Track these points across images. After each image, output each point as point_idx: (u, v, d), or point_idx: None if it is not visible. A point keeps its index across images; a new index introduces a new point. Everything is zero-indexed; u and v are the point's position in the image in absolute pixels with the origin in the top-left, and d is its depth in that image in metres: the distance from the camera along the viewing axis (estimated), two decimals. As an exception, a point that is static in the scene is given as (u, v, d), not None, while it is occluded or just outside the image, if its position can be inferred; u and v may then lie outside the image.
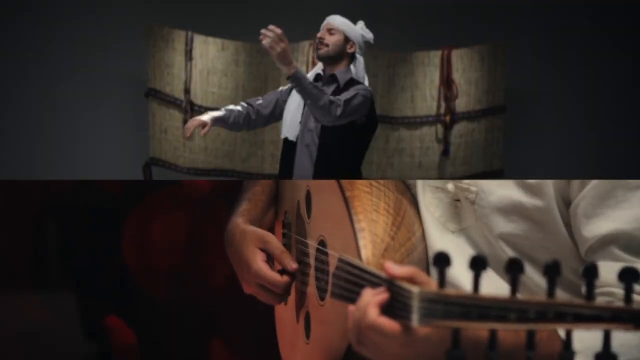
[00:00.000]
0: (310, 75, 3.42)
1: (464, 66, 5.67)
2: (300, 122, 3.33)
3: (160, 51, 5.44)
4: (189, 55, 5.48)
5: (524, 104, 5.96)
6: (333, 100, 3.16)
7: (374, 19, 5.98)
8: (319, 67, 3.48)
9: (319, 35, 3.40)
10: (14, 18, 5.75)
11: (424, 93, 5.70)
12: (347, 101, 3.18)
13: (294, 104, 3.34)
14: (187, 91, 5.47)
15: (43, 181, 3.15)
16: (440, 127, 5.68)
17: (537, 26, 6.03)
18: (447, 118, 5.64)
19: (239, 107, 3.41)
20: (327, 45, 3.36)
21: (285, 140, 3.37)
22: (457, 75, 5.66)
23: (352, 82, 3.36)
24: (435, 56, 5.66)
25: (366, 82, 3.42)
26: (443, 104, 5.66)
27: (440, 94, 5.65)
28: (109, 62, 5.80)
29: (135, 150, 5.70)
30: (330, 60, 3.38)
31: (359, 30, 3.49)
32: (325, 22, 3.46)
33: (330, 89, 3.32)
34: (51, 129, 5.80)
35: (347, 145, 3.34)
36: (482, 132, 5.67)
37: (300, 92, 3.15)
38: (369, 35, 3.51)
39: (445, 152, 5.68)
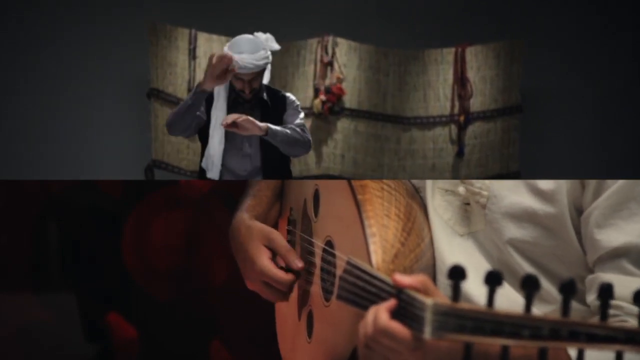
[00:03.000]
0: (220, 95, 3.53)
1: (479, 64, 5.78)
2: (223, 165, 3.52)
3: (162, 50, 5.58)
4: (192, 53, 5.62)
5: (542, 104, 6.02)
6: (297, 128, 3.51)
7: (385, 15, 6.15)
8: (224, 86, 3.54)
9: (246, 90, 3.46)
10: (16, 17, 5.90)
11: (437, 92, 5.81)
12: (301, 123, 3.55)
13: (216, 145, 3.49)
14: (190, 91, 5.62)
15: (43, 181, 3.31)
16: (454, 128, 5.79)
17: (555, 22, 6.09)
18: (462, 118, 5.75)
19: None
20: (253, 90, 3.49)
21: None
22: (471, 74, 5.77)
23: (271, 92, 3.61)
24: (449, 53, 5.78)
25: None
26: (457, 104, 5.77)
27: (454, 93, 5.77)
28: (110, 61, 5.93)
29: (136, 153, 5.82)
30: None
31: (268, 50, 3.49)
32: (247, 70, 3.41)
33: (255, 110, 3.53)
34: (51, 131, 5.94)
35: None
36: (498, 132, 5.77)
37: (279, 143, 3.43)
38: (274, 46, 3.55)
39: (459, 154, 5.79)
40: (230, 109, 3.50)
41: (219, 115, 3.48)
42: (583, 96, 6.10)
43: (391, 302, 1.81)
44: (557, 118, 6.10)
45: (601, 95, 6.08)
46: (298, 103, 3.66)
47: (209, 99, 3.52)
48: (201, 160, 3.57)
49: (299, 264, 2.51)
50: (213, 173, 3.48)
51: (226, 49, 3.43)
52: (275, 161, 3.55)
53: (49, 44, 5.93)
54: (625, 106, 6.05)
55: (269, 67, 3.60)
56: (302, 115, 3.64)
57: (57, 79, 5.93)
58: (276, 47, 3.50)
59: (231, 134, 3.47)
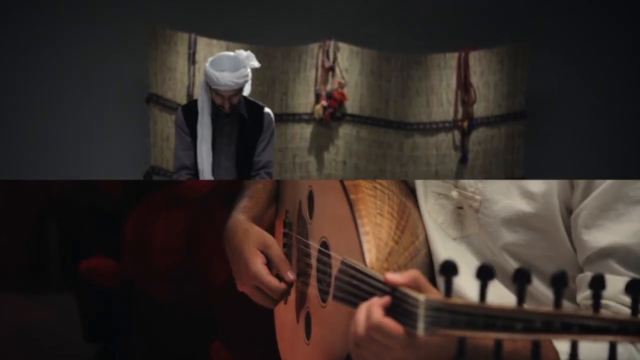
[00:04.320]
0: (205, 110, 3.71)
1: (483, 69, 5.83)
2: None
3: (162, 54, 5.66)
4: (192, 58, 5.69)
5: (546, 109, 6.05)
6: (265, 173, 3.75)
7: (387, 20, 6.21)
8: (206, 95, 3.71)
9: (226, 106, 3.64)
10: (17, 21, 5.98)
11: (440, 97, 5.87)
12: (269, 157, 3.79)
13: (204, 158, 3.68)
14: (190, 97, 5.67)
15: (43, 181, 3.39)
16: (457, 134, 5.84)
17: (560, 26, 6.13)
18: (465, 124, 5.80)
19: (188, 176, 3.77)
20: (232, 106, 3.67)
21: None
22: (475, 79, 5.82)
23: (249, 105, 3.78)
24: (452, 58, 5.83)
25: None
26: (460, 109, 5.82)
27: (458, 98, 5.82)
28: (110, 66, 6.01)
29: (135, 159, 5.88)
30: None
31: (248, 67, 3.67)
32: (226, 87, 3.59)
33: (232, 126, 3.72)
34: (50, 135, 6.00)
35: None
36: (502, 138, 5.81)
37: None
38: (254, 64, 3.71)
39: (463, 160, 5.84)
40: (211, 123, 3.69)
41: (205, 130, 3.67)
42: (588, 102, 6.12)
43: (385, 299, 1.86)
44: (562, 124, 6.12)
45: (607, 100, 6.10)
46: (274, 124, 3.82)
47: (194, 114, 3.71)
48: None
49: (291, 276, 2.58)
50: None
51: (207, 66, 3.60)
52: (250, 173, 3.74)
53: (48, 48, 6.00)
54: (632, 111, 6.07)
55: (249, 81, 3.75)
56: (273, 140, 3.83)
57: (56, 83, 6.00)
58: (256, 64, 3.67)
59: (213, 147, 3.67)
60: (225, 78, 3.55)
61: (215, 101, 3.64)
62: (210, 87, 3.62)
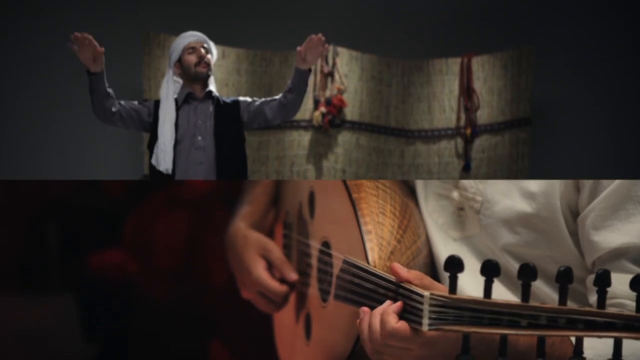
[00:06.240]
0: (169, 97, 3.82)
1: (486, 74, 5.94)
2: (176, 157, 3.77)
3: (156, 60, 5.79)
4: (187, 64, 5.82)
5: (552, 116, 6.14)
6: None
7: (388, 24, 6.30)
8: (171, 82, 3.86)
9: (201, 54, 3.79)
10: (16, 27, 6.14)
11: (442, 104, 5.98)
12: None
13: (167, 138, 3.74)
14: (185, 103, 5.81)
15: (43, 181, 3.52)
16: (460, 141, 5.95)
17: (565, 30, 6.22)
18: (468, 131, 5.90)
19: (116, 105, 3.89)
20: (207, 65, 3.81)
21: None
22: (478, 85, 5.92)
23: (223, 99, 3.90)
24: (454, 64, 5.95)
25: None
26: (463, 116, 5.92)
27: (460, 104, 5.92)
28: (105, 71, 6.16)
29: (128, 166, 6.00)
30: (207, 79, 3.85)
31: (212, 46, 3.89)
32: (196, 37, 3.84)
33: (207, 105, 3.81)
34: (48, 138, 6.14)
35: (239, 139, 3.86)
36: (507, 146, 5.90)
37: (303, 84, 3.68)
38: (214, 50, 3.92)
39: (466, 168, 5.93)
40: (181, 108, 3.79)
41: (168, 115, 3.75)
42: (594, 108, 6.18)
43: (397, 305, 1.99)
44: (568, 131, 6.19)
45: (614, 106, 6.17)
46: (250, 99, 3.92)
47: (156, 103, 3.83)
48: (150, 158, 3.78)
49: (293, 276, 2.76)
50: (166, 165, 3.69)
51: (175, 44, 3.84)
52: (229, 152, 3.77)
53: (46, 51, 6.13)
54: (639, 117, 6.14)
55: (212, 78, 3.90)
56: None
57: (54, 85, 6.14)
58: (215, 50, 3.86)
59: (183, 127, 3.75)
60: (191, 32, 3.78)
61: (190, 63, 3.75)
62: (181, 58, 3.78)
